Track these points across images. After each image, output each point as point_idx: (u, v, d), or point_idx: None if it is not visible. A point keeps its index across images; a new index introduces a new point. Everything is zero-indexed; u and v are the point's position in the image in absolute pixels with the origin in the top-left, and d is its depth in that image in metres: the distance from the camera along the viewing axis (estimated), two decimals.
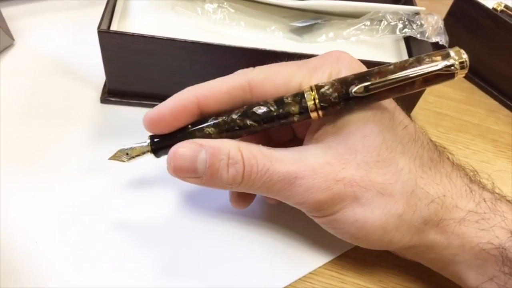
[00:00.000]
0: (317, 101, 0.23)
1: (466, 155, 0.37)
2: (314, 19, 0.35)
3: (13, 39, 0.37)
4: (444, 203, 0.24)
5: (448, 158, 0.26)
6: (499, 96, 0.42)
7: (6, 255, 0.26)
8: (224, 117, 0.24)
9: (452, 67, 0.22)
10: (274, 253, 0.29)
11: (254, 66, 0.29)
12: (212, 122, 0.24)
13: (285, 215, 0.30)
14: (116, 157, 0.26)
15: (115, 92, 0.34)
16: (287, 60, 0.28)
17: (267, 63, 0.27)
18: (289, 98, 0.24)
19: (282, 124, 0.24)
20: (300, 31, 0.35)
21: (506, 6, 0.41)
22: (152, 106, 0.34)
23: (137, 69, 0.32)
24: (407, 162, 0.24)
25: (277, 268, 0.28)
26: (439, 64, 0.22)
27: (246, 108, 0.24)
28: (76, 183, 0.30)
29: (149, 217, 0.29)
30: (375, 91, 0.23)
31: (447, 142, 0.38)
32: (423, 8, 0.35)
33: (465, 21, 0.41)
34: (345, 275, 0.29)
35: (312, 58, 0.26)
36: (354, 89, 0.23)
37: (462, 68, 0.22)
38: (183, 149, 0.24)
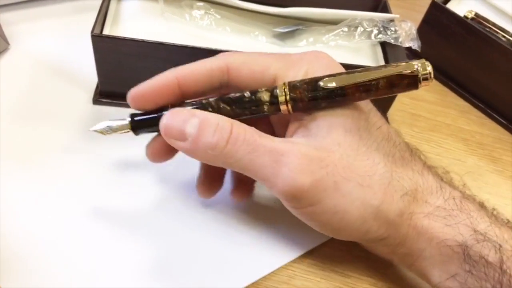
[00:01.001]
0: (287, 96, 0.24)
1: (439, 153, 0.40)
2: (295, 26, 0.38)
3: (8, 44, 0.39)
4: (415, 196, 0.26)
5: (419, 158, 0.28)
6: (470, 98, 0.44)
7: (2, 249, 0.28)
8: (202, 101, 0.26)
9: (415, 71, 0.23)
10: (246, 247, 0.30)
11: None
12: (191, 105, 0.26)
13: (257, 210, 0.32)
14: (98, 129, 0.28)
15: (106, 94, 0.36)
16: None
17: None
18: (263, 89, 0.25)
19: (253, 111, 0.25)
20: (282, 37, 0.37)
21: (476, 14, 0.43)
22: None
23: (128, 71, 0.34)
24: (382, 158, 0.25)
25: (247, 263, 0.29)
26: (402, 69, 0.24)
27: (223, 95, 0.26)
28: (69, 180, 0.31)
29: (133, 213, 0.31)
30: (342, 89, 0.24)
31: (421, 141, 0.40)
32: (397, 16, 0.37)
33: (438, 28, 0.44)
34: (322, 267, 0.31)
35: (293, 53, 0.27)
36: (322, 83, 0.24)
37: (424, 79, 0.23)
38: (176, 111, 0.25)
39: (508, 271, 0.24)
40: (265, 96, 0.25)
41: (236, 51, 0.28)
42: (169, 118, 0.25)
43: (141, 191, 0.32)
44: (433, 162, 0.38)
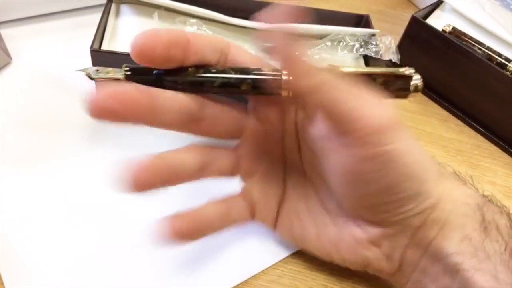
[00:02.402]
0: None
1: None
2: None
3: (10, 58, 0.41)
4: (439, 170, 0.27)
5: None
6: (450, 107, 0.47)
7: (6, 255, 0.29)
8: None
9: (410, 74, 0.26)
10: (237, 247, 0.32)
11: None
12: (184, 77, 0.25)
13: None
14: (84, 70, 0.26)
15: None
16: None
17: None
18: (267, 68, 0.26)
19: (255, 85, 0.25)
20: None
21: (453, 28, 0.46)
22: None
23: None
24: None
25: (238, 262, 0.31)
26: (398, 71, 0.26)
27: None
28: (70, 187, 0.33)
29: (128, 214, 0.32)
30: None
31: None
32: (378, 30, 0.40)
33: (418, 42, 0.46)
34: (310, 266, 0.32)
35: None
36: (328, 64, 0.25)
37: (415, 90, 0.26)
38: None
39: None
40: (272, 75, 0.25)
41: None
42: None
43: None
44: None
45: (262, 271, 0.31)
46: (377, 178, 0.24)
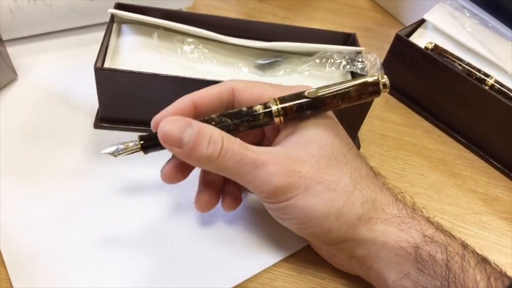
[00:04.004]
0: (279, 106, 0.30)
1: (404, 169, 0.44)
2: (274, 57, 0.43)
3: (16, 74, 0.43)
4: (374, 205, 0.30)
5: (380, 178, 0.32)
6: (433, 119, 0.49)
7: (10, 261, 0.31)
8: (206, 117, 0.30)
9: (376, 79, 0.30)
10: (230, 252, 0.34)
11: None
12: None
13: (243, 215, 0.36)
14: (108, 151, 0.30)
15: (106, 119, 0.40)
16: None
17: None
18: (257, 104, 0.30)
19: (249, 122, 0.30)
20: (263, 67, 0.42)
21: (435, 45, 0.49)
22: (138, 131, 0.41)
23: (126, 99, 0.39)
24: (348, 170, 0.30)
25: (231, 266, 0.33)
26: (366, 78, 0.30)
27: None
28: (73, 200, 0.35)
29: (131, 224, 0.35)
30: (324, 96, 0.30)
31: (389, 159, 0.45)
32: (363, 48, 0.42)
33: (402, 58, 0.49)
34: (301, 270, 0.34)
35: (287, 85, 0.32)
36: (306, 93, 0.30)
37: (384, 86, 0.30)
38: (175, 120, 0.29)
39: (452, 268, 0.28)
40: (260, 109, 0.30)
41: (240, 80, 0.33)
42: (167, 125, 0.28)
43: (140, 205, 0.36)
44: (399, 178, 0.43)
45: (255, 275, 0.33)
46: (287, 219, 0.30)
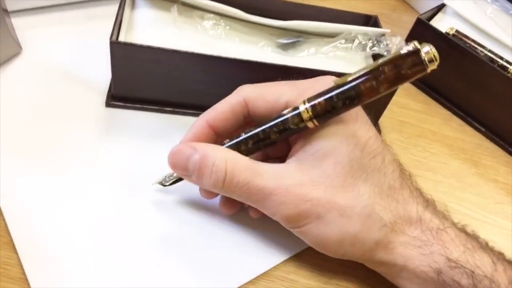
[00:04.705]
0: (309, 112, 0.27)
1: (426, 157, 0.43)
2: (296, 38, 0.41)
3: (20, 47, 0.40)
4: (394, 228, 0.28)
5: (410, 186, 0.29)
6: (452, 107, 0.48)
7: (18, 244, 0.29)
8: (234, 138, 0.29)
9: (415, 48, 0.24)
10: (234, 251, 0.31)
11: (247, 75, 0.33)
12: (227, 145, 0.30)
13: (244, 216, 0.33)
14: (159, 181, 0.33)
15: (119, 97, 0.38)
16: (275, 71, 0.33)
17: (258, 73, 0.32)
18: (287, 110, 0.28)
19: (281, 131, 0.28)
20: (285, 47, 0.40)
21: (457, 31, 0.47)
22: (153, 111, 0.39)
23: (142, 76, 0.36)
24: (367, 189, 0.28)
25: (235, 266, 0.31)
26: (404, 49, 0.24)
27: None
28: (83, 178, 0.33)
29: (139, 212, 0.32)
30: (355, 87, 0.25)
31: (409, 146, 0.44)
32: (388, 30, 0.41)
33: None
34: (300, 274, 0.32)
35: (303, 81, 0.30)
36: (333, 81, 0.26)
37: (430, 60, 0.24)
38: (180, 149, 0.29)
39: None
40: (290, 114, 0.28)
41: (250, 85, 0.31)
42: (172, 158, 0.29)
43: (150, 191, 0.33)
44: (420, 165, 0.42)
45: (250, 280, 0.31)
46: (303, 239, 0.29)
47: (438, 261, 0.27)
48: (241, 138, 0.29)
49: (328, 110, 0.27)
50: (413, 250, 0.28)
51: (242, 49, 0.38)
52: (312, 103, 0.27)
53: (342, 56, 0.40)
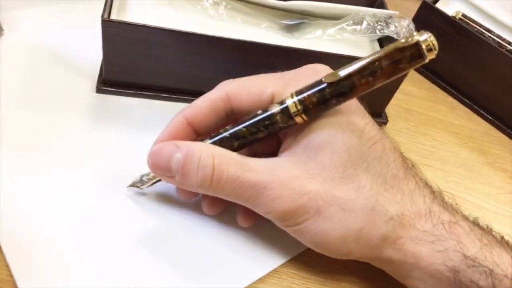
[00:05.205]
0: (298, 106, 0.24)
1: (434, 146, 0.41)
2: (300, 19, 0.38)
3: (2, 29, 0.37)
4: (402, 221, 0.25)
5: (414, 175, 0.27)
6: (458, 95, 0.46)
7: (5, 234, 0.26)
8: (221, 131, 0.27)
9: (413, 40, 0.22)
10: (234, 253, 0.29)
11: (250, 57, 0.31)
12: (210, 139, 0.27)
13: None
14: (133, 184, 0.29)
15: (110, 82, 0.35)
16: (281, 54, 0.31)
17: (261, 55, 0.30)
18: (272, 104, 0.25)
19: (267, 127, 0.25)
20: (289, 29, 0.37)
21: (463, 15, 0.46)
22: (146, 97, 0.36)
23: (136, 59, 0.33)
24: (369, 179, 0.25)
25: (237, 268, 0.28)
26: (399, 43, 0.22)
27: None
28: (72, 168, 0.30)
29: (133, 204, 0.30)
30: (348, 79, 0.23)
31: (417, 134, 0.42)
32: (397, 12, 0.39)
33: (428, 27, 0.44)
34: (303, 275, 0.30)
35: (289, 71, 0.28)
36: (323, 78, 0.24)
37: (429, 50, 0.22)
38: (161, 147, 0.26)
39: None
40: (276, 108, 0.25)
41: (232, 79, 0.28)
42: (152, 158, 0.26)
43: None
44: (429, 155, 0.40)
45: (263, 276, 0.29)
46: (301, 240, 0.27)
47: (453, 258, 0.25)
48: (223, 135, 0.26)
49: (318, 105, 0.24)
50: (425, 246, 0.25)
51: (245, 30, 0.36)
52: (301, 96, 0.24)
53: (348, 39, 0.38)
